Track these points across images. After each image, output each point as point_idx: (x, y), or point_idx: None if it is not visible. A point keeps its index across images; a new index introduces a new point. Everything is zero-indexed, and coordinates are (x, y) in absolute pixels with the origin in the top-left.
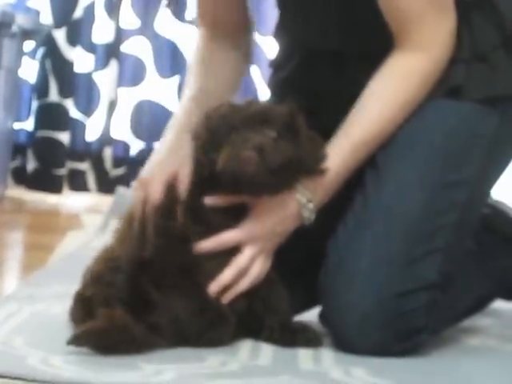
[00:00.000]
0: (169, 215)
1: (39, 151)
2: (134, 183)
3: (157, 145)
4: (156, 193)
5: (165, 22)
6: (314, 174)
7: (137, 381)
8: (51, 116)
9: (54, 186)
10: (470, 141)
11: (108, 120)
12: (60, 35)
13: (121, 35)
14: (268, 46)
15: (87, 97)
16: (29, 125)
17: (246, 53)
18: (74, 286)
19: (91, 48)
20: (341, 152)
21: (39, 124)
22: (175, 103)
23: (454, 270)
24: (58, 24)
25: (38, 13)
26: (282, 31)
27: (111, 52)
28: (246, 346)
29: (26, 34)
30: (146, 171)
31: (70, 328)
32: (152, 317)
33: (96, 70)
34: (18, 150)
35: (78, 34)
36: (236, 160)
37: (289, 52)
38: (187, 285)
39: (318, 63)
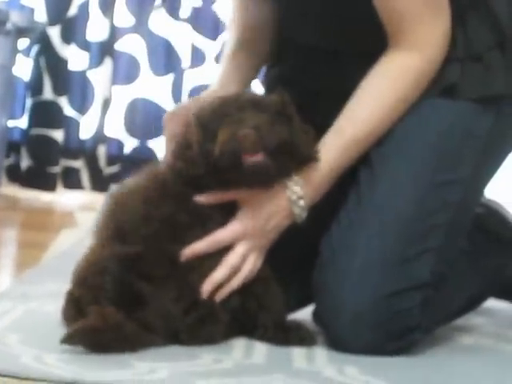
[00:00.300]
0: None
1: (33, 149)
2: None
3: (151, 143)
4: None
5: (159, 20)
6: (308, 161)
7: (130, 379)
8: (45, 114)
9: (47, 184)
10: (465, 140)
11: (102, 118)
12: (54, 33)
13: (115, 33)
14: None
15: (81, 95)
16: (23, 122)
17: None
18: (67, 284)
19: (85, 46)
20: (333, 149)
21: (33, 122)
22: (169, 101)
23: (447, 269)
24: (52, 22)
25: (32, 10)
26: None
27: (105, 50)
28: (239, 344)
29: (21, 32)
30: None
31: (63, 326)
32: (143, 313)
33: (90, 67)
34: (12, 147)
35: (73, 31)
36: (234, 139)
37: (283, 49)
38: (178, 279)
39: (314, 61)
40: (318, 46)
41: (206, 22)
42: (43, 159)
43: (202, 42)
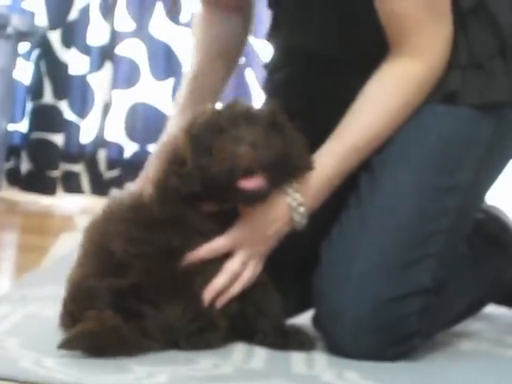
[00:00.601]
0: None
1: (33, 153)
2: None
3: (151, 147)
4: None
5: (159, 24)
6: (302, 171)
7: (129, 383)
8: (45, 118)
9: (47, 188)
10: (466, 146)
11: (102, 122)
12: (55, 37)
13: (115, 37)
14: (262, 48)
15: (82, 99)
16: (23, 126)
17: (246, 26)
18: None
19: (86, 50)
20: (333, 157)
21: (33, 125)
22: (169, 106)
23: (447, 274)
24: (52, 26)
25: (33, 14)
26: (277, 34)
27: (106, 54)
28: (239, 349)
29: (21, 36)
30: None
31: (62, 330)
32: (142, 322)
33: (91, 72)
34: (12, 151)
35: (73, 35)
36: (232, 158)
37: (285, 55)
38: (180, 294)
39: (315, 68)
40: (320, 52)
41: None
42: (43, 163)
43: None
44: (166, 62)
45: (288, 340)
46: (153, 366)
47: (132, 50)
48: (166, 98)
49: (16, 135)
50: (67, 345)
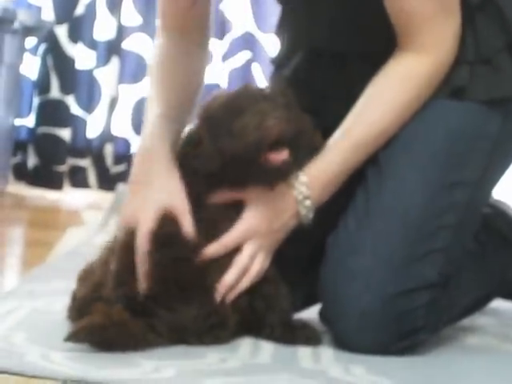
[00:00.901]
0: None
1: (40, 147)
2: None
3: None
4: (144, 236)
5: None
6: (315, 150)
7: (137, 377)
8: (52, 112)
9: (54, 183)
10: (473, 142)
11: (109, 117)
12: (61, 32)
13: (122, 32)
14: (269, 43)
15: (88, 93)
16: (30, 121)
17: (206, 53)
18: (73, 282)
19: (93, 45)
20: (340, 151)
21: (40, 120)
22: None
23: (454, 269)
24: (59, 20)
25: (39, 9)
26: (285, 28)
27: (112, 49)
28: (246, 344)
29: (28, 31)
30: (131, 204)
31: (69, 324)
32: (151, 320)
33: (97, 66)
34: (19, 146)
35: (80, 30)
36: (261, 130)
37: (292, 49)
38: (194, 293)
39: (323, 63)
40: (328, 48)
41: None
42: (50, 158)
43: None
44: None
45: (295, 334)
46: (160, 360)
47: (139, 44)
48: None
49: (23, 130)
50: (74, 338)
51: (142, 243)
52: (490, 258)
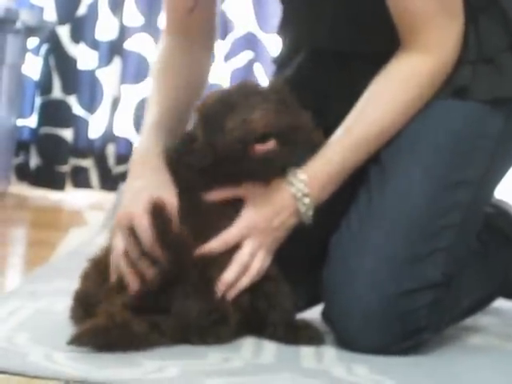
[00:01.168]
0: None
1: (42, 148)
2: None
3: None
4: (144, 226)
5: None
6: (312, 146)
7: (139, 377)
8: (54, 113)
9: (56, 183)
10: (475, 141)
11: (111, 117)
12: (64, 32)
13: (124, 32)
14: (271, 43)
15: (90, 94)
16: (32, 121)
17: (210, 55)
18: (76, 282)
19: (95, 45)
20: (341, 150)
21: (42, 121)
22: None
23: (456, 269)
24: (61, 21)
25: (41, 9)
26: (287, 28)
27: (115, 49)
28: (248, 344)
29: (30, 31)
30: (126, 201)
31: (72, 324)
32: (154, 317)
33: (99, 66)
34: (21, 146)
35: (82, 30)
36: (245, 124)
37: (294, 49)
38: (195, 290)
39: (325, 62)
40: (330, 48)
41: None
42: (52, 158)
43: None
44: None
45: (297, 334)
46: (163, 359)
47: (141, 44)
48: None
49: (25, 130)
50: (77, 341)
51: (145, 236)
52: (492, 258)
